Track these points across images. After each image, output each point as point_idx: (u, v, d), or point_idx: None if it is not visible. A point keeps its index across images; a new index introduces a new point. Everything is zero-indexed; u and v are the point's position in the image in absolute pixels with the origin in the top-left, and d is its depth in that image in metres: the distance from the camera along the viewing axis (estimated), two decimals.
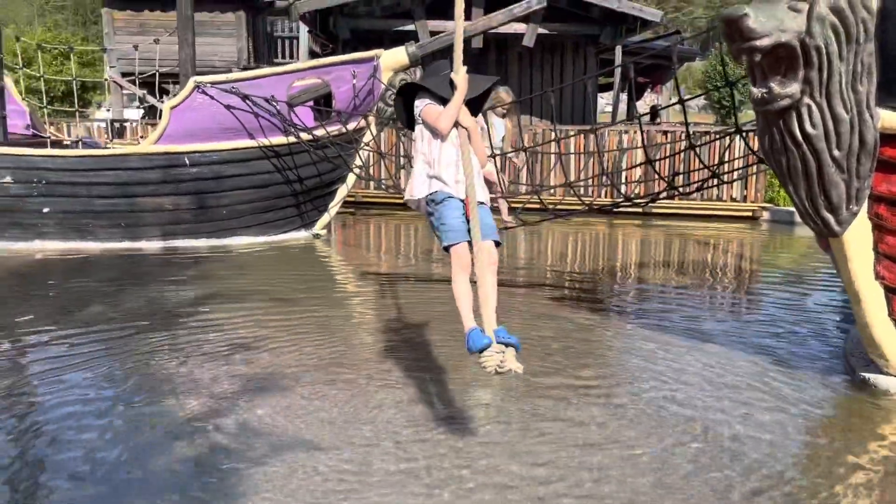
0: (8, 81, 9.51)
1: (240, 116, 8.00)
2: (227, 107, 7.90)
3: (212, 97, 7.86)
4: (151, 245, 8.21)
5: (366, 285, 7.02)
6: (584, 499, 2.90)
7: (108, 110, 17.14)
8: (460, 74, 3.37)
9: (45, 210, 7.95)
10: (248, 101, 7.89)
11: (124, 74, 14.60)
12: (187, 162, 8.05)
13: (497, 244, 3.33)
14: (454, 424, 3.59)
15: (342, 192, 9.38)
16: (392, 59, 8.53)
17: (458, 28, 3.44)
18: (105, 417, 3.63)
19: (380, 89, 8.50)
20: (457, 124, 3.39)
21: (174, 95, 8.52)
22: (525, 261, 8.60)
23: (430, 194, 3.44)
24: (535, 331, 5.30)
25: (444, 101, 3.43)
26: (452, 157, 3.42)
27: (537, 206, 7.85)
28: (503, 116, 8.41)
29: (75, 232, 8.08)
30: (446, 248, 3.37)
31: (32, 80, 13.74)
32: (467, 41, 12.51)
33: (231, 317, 5.50)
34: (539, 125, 13.54)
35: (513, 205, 8.17)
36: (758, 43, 3.14)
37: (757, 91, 3.34)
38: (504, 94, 7.94)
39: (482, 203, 3.39)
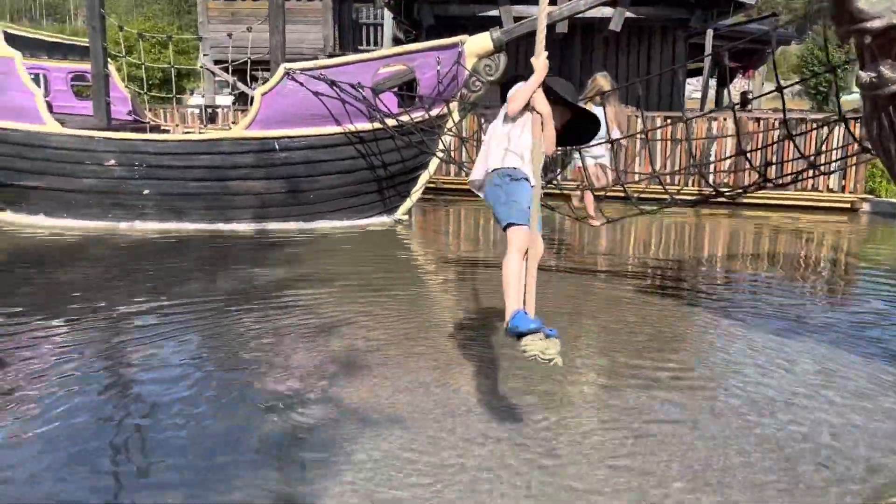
0: (111, 69, 10.02)
1: (327, 102, 8.17)
2: (315, 93, 8.08)
3: (301, 83, 8.05)
4: (243, 227, 8.51)
5: (445, 270, 7.08)
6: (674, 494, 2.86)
7: (202, 97, 17.80)
8: (540, 59, 3.33)
9: (145, 192, 8.35)
10: (335, 88, 8.05)
11: (217, 62, 15.13)
12: (277, 147, 8.29)
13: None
14: (540, 410, 3.60)
15: (424, 178, 9.46)
16: (477, 44, 8.51)
17: (541, 12, 3.41)
18: (196, 393, 3.80)
19: (464, 75, 8.52)
20: (533, 109, 3.36)
21: (264, 82, 8.78)
22: (608, 248, 8.48)
23: (508, 168, 3.41)
24: (621, 316, 5.24)
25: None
26: (529, 142, 3.40)
27: (620, 195, 7.70)
28: (601, 105, 8.27)
29: (172, 213, 8.47)
30: (508, 226, 3.32)
31: (133, 68, 14.41)
32: (552, 26, 12.37)
33: (317, 298, 5.66)
34: (625, 112, 13.24)
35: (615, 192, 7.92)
36: (868, 25, 2.98)
37: (865, 75, 3.18)
38: (602, 79, 7.76)
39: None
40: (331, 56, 14.93)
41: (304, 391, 3.79)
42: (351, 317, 5.14)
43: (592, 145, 7.27)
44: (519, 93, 3.38)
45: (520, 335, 3.01)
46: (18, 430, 3.31)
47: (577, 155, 8.33)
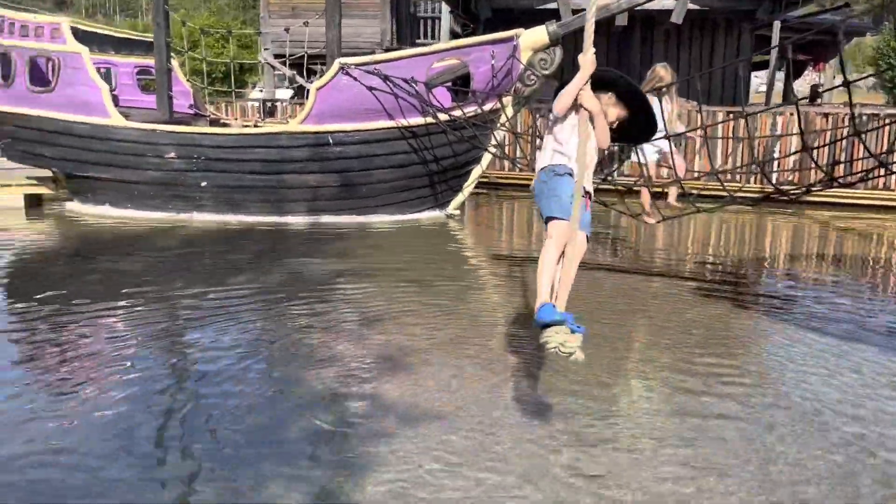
0: (174, 63, 10.29)
1: (380, 97, 8.19)
2: (369, 88, 8.12)
3: (355, 78, 8.10)
4: (297, 220, 8.63)
5: (494, 265, 7.03)
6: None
7: (262, 90, 18.12)
8: (587, 56, 3.24)
9: (203, 184, 8.56)
10: (388, 83, 8.07)
11: (277, 56, 15.37)
12: (331, 141, 8.37)
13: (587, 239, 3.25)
14: (586, 409, 3.54)
15: (476, 172, 9.42)
16: (532, 38, 8.42)
17: (590, 7, 3.32)
18: (236, 384, 3.87)
19: (518, 69, 8.43)
20: (581, 107, 3.28)
21: (320, 76, 8.86)
22: (666, 245, 8.29)
23: (553, 165, 3.37)
24: (677, 315, 5.12)
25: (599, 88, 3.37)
26: (576, 140, 3.33)
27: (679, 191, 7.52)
28: (660, 97, 8.07)
29: (228, 205, 8.65)
30: (549, 219, 3.30)
31: (196, 62, 14.76)
32: (610, 19, 12.13)
33: (363, 292, 5.70)
34: (686, 106, 12.91)
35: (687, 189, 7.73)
36: None
37: None
38: (662, 70, 7.56)
39: (588, 194, 3.28)
40: (387, 50, 15.01)
41: (344, 386, 3.81)
42: (395, 312, 5.16)
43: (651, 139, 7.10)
44: (565, 91, 3.31)
45: (544, 326, 2.97)
46: (68, 410, 3.43)
47: (635, 150, 8.17)
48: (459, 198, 9.51)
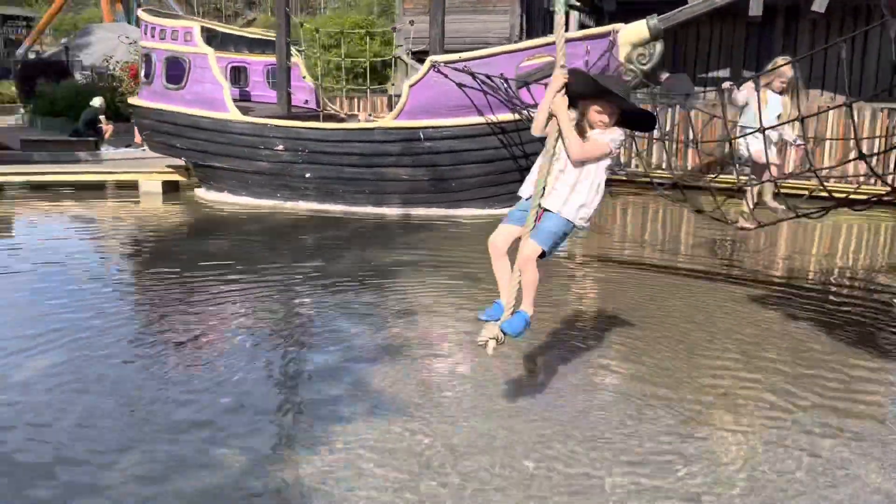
0: (299, 62, 11.07)
1: (470, 94, 8.39)
2: (459, 85, 8.34)
3: (445, 75, 8.35)
4: (391, 211, 9.04)
5: (570, 265, 6.97)
6: None
7: (392, 85, 18.86)
8: (556, 71, 3.23)
9: (307, 175, 9.20)
10: (478, 80, 8.24)
11: (415, 53, 15.92)
12: (422, 136, 8.69)
13: (542, 255, 3.23)
14: (676, 423, 3.50)
15: None
16: (632, 33, 8.27)
17: (557, 26, 3.35)
18: (248, 364, 4.28)
19: (616, 65, 8.31)
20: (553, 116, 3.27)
21: None
22: (789, 253, 7.85)
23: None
24: (789, 338, 4.82)
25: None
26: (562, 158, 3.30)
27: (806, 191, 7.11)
28: (781, 92, 7.65)
29: (329, 196, 9.24)
30: None
31: (334, 59, 15.66)
32: (743, 9, 11.46)
33: (417, 282, 5.96)
34: (819, 101, 11.97)
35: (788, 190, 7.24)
36: None
37: None
38: (785, 67, 7.15)
39: (549, 211, 3.24)
40: None
41: (393, 376, 4.09)
42: (433, 304, 5.36)
43: (748, 133, 6.73)
44: (538, 109, 3.33)
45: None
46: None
47: (743, 149, 7.76)
48: None
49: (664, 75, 13.26)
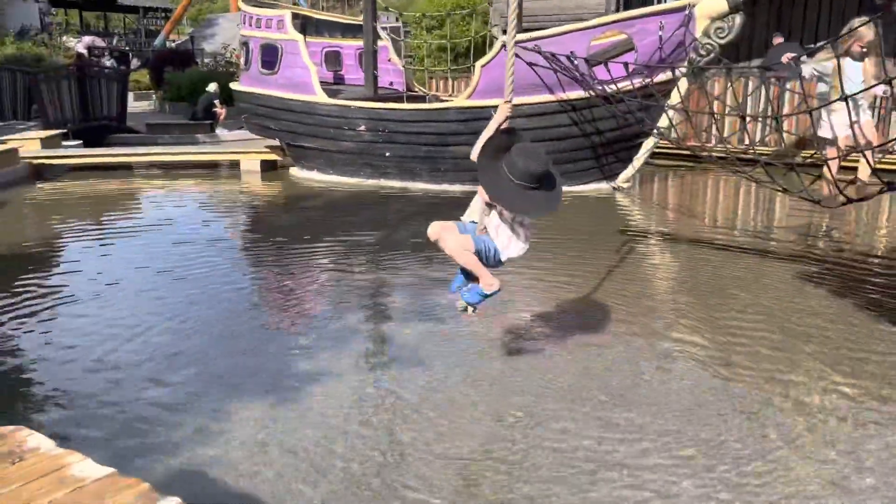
0: (388, 45, 11.49)
1: (540, 72, 8.49)
2: (530, 64, 8.45)
3: (516, 55, 8.47)
4: (465, 189, 9.32)
5: (652, 246, 6.99)
6: None
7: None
8: (503, 105, 3.42)
9: (387, 154, 9.64)
10: (548, 59, 8.33)
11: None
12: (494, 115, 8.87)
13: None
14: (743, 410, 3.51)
15: (649, 144, 9.27)
16: (709, 6, 8.10)
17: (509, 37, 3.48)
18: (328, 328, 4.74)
19: (692, 39, 8.16)
20: None
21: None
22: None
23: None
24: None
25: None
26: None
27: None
28: (862, 58, 7.29)
29: (407, 174, 9.65)
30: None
31: (433, 42, 16.01)
32: None
33: None
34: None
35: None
36: None
37: None
38: (863, 27, 6.80)
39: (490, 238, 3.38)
40: None
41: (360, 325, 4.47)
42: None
43: (830, 102, 6.46)
44: (480, 138, 3.42)
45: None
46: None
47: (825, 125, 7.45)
48: (629, 170, 9.46)
49: (777, 38, 12.62)
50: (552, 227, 7.14)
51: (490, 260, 3.35)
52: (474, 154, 3.36)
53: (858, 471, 2.92)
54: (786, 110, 10.65)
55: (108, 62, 19.52)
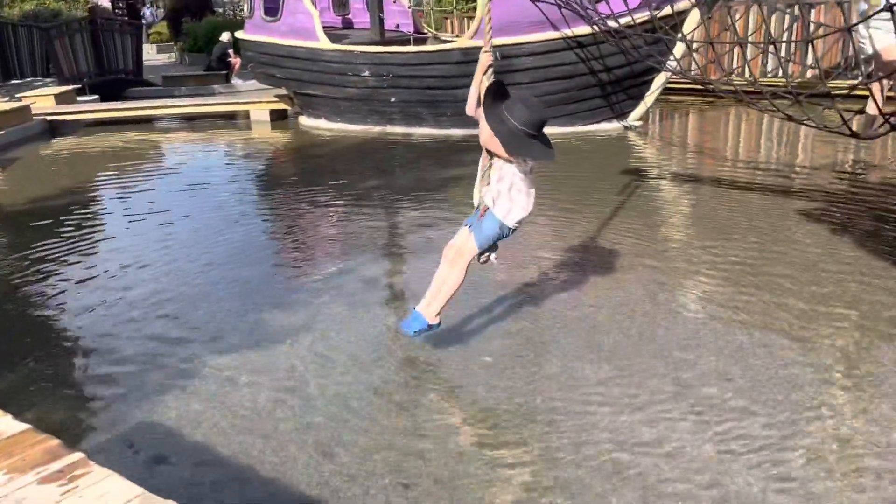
0: None
1: (545, 9, 8.18)
2: (533, 0, 8.15)
3: None
4: (470, 132, 9.15)
5: (665, 187, 6.81)
6: None
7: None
8: (482, 56, 3.21)
9: (393, 99, 9.49)
10: None
11: None
12: (499, 55, 8.60)
13: (483, 254, 3.31)
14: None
15: (660, 80, 8.95)
16: None
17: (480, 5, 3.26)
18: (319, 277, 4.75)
19: None
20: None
21: None
22: None
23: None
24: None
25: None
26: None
27: None
28: None
29: (414, 119, 9.50)
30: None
31: None
32: None
33: (458, 199, 6.17)
34: None
35: None
36: None
37: None
38: None
39: (490, 211, 3.21)
40: None
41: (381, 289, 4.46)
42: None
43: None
44: (470, 92, 3.27)
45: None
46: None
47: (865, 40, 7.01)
48: (641, 108, 9.16)
49: None
50: (561, 168, 6.98)
51: (505, 236, 3.28)
52: (469, 108, 3.29)
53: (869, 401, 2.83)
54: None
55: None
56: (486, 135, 3.08)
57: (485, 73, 3.25)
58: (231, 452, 2.70)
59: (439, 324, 3.36)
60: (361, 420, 2.91)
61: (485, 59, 3.24)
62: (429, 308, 3.33)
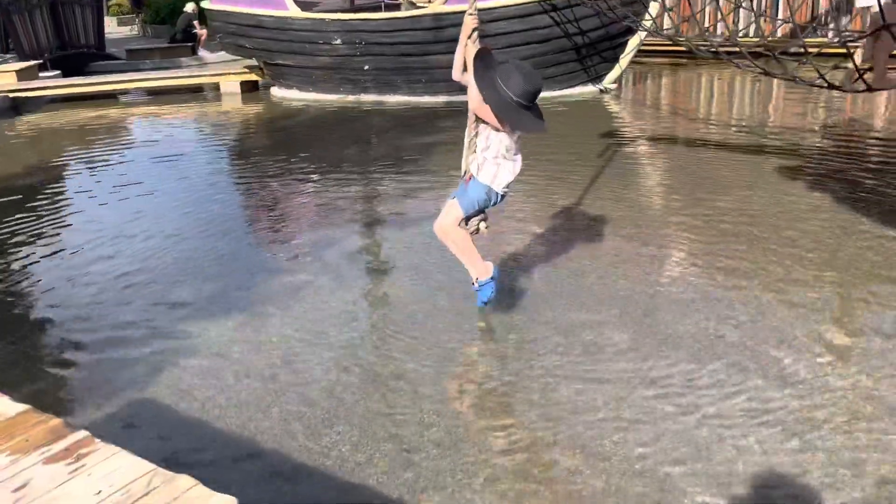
0: None
1: None
2: None
3: None
4: (447, 99, 9.06)
5: (642, 149, 6.81)
6: None
7: None
8: (467, 18, 3.15)
9: (366, 67, 9.36)
10: None
11: None
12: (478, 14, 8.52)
13: (469, 220, 3.27)
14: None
15: (635, 41, 8.94)
16: None
17: None
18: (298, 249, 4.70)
19: None
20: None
21: None
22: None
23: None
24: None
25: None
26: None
27: None
28: None
29: (388, 87, 9.39)
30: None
31: None
32: None
33: (427, 165, 6.15)
34: None
35: None
36: None
37: None
38: None
39: (474, 178, 3.19)
40: None
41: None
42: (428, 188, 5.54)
43: None
44: (455, 55, 3.22)
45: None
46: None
47: None
48: (615, 71, 9.16)
49: None
50: (540, 134, 6.95)
51: (494, 202, 3.24)
52: (455, 72, 3.26)
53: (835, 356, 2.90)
54: None
55: None
56: (476, 101, 3.03)
57: (470, 37, 3.20)
58: (229, 427, 2.69)
59: (493, 276, 3.29)
60: (359, 389, 2.91)
61: (469, 21, 3.19)
62: (474, 274, 3.31)
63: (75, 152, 7.75)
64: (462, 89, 3.20)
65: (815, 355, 2.99)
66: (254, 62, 10.49)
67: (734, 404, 2.67)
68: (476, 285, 3.32)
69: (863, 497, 2.20)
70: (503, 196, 3.25)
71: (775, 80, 7.20)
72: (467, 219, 3.28)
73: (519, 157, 3.20)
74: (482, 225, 3.38)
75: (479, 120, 3.12)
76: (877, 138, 6.70)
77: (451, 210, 3.26)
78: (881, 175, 5.41)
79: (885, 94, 8.06)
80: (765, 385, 2.78)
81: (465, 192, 3.24)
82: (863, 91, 5.43)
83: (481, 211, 3.31)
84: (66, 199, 5.98)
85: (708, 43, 6.28)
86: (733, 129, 7.36)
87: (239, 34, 10.03)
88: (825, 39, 9.29)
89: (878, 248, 4.02)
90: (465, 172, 3.26)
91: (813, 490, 2.24)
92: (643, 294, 3.62)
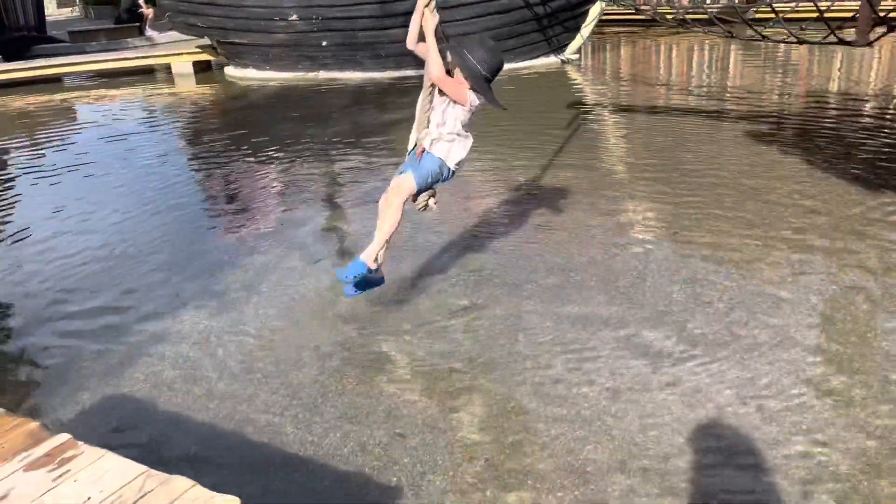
0: None
1: None
2: None
3: None
4: (409, 73, 8.93)
5: (606, 118, 6.80)
6: None
7: None
8: None
9: (324, 43, 9.14)
10: None
11: None
12: None
13: (420, 195, 3.12)
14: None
15: (596, 10, 8.88)
16: None
17: None
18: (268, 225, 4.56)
19: None
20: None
21: None
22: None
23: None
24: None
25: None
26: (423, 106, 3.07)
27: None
28: None
29: (349, 63, 9.19)
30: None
31: None
32: None
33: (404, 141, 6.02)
34: None
35: None
36: None
37: None
38: None
39: (427, 152, 3.05)
40: None
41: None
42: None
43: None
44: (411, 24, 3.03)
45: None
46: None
47: None
48: (577, 41, 9.11)
49: None
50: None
51: (444, 178, 3.13)
52: (409, 41, 3.08)
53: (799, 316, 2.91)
54: None
55: None
56: (437, 72, 2.92)
57: (427, 6, 3.06)
58: (214, 419, 2.59)
59: (382, 279, 3.18)
60: (343, 373, 2.83)
61: None
62: (373, 255, 3.11)
63: (23, 140, 7.43)
64: (420, 62, 3.08)
65: (788, 321, 3.00)
66: (206, 41, 10.17)
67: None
68: (359, 262, 3.08)
69: None
70: (454, 173, 3.15)
71: (732, 47, 7.23)
72: (417, 193, 3.17)
73: (470, 136, 3.10)
74: (431, 201, 3.25)
75: (434, 93, 3.01)
76: (831, 99, 6.79)
77: (405, 183, 3.12)
78: (834, 131, 5.48)
79: (838, 56, 8.19)
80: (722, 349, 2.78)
81: (419, 166, 3.11)
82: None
83: (430, 187, 3.20)
84: (12, 188, 5.73)
85: (674, 11, 6.26)
86: (693, 94, 7.39)
87: (190, 12, 9.70)
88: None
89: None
90: (415, 146, 3.15)
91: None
92: (612, 262, 3.61)
